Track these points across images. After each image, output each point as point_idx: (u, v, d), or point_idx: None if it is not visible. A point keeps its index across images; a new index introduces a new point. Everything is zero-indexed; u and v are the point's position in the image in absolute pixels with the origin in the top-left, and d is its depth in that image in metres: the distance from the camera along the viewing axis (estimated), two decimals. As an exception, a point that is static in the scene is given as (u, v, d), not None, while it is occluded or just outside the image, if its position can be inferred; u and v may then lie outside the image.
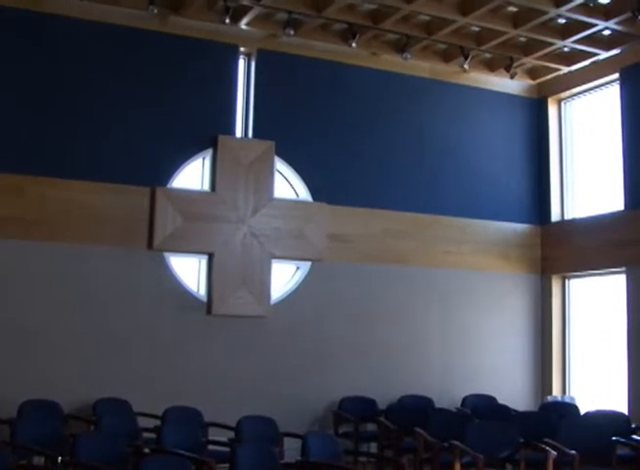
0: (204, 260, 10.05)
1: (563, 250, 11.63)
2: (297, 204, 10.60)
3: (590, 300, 11.53)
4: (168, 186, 9.85)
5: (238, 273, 9.98)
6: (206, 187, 10.17)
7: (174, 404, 8.79)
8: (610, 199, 11.20)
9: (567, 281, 11.77)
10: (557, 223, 11.91)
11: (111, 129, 9.64)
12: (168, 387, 9.43)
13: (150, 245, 9.61)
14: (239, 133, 10.47)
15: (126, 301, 9.49)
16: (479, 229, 11.61)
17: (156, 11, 9.38)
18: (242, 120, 10.54)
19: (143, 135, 9.78)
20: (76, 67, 9.57)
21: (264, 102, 10.56)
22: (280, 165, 10.56)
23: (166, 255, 9.79)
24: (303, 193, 10.66)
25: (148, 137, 9.80)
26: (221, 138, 10.14)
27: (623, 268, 10.61)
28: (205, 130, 10.13)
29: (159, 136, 9.86)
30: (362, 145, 11.01)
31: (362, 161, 10.99)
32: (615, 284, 10.98)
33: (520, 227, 11.91)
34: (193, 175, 10.18)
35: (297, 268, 10.61)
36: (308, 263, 10.53)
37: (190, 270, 10.09)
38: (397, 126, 11.30)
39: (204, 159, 10.20)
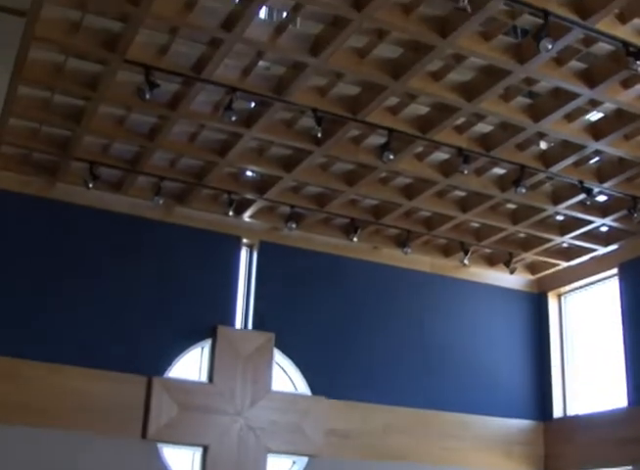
0: (198, 453, 9.73)
1: (566, 447, 11.31)
2: (295, 397, 10.39)
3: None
4: (165, 376, 9.68)
5: (232, 467, 9.64)
6: (204, 377, 10.00)
7: None
8: (613, 395, 10.98)
9: None
10: (559, 420, 11.64)
11: (109, 316, 9.59)
12: None
13: (144, 434, 9.33)
14: (239, 324, 10.41)
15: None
16: (479, 425, 11.32)
17: (161, 201, 9.58)
18: (242, 311, 10.51)
19: (142, 323, 9.72)
20: (77, 252, 9.65)
21: (265, 293, 10.58)
22: (279, 358, 10.44)
23: (160, 445, 9.47)
24: (302, 386, 10.47)
25: (146, 325, 9.73)
26: (221, 329, 10.08)
27: (630, 467, 10.28)
28: (205, 320, 10.08)
29: (157, 325, 9.80)
30: (362, 338, 10.93)
31: (362, 354, 10.87)
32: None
33: (521, 423, 11.62)
34: (191, 365, 10.03)
35: (294, 462, 10.27)
36: (305, 459, 10.19)
37: (183, 463, 9.75)
38: (398, 320, 11.27)
39: (202, 348, 10.10)
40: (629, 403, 10.54)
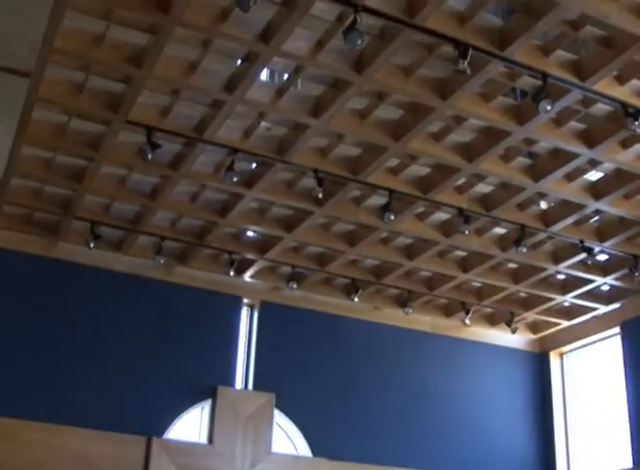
0: (197, 517, 9.60)
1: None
2: (296, 459, 10.25)
3: None
4: (165, 436, 9.58)
5: (233, 531, 9.53)
6: (204, 438, 9.88)
7: None
8: (617, 455, 10.85)
9: None
10: (564, 482, 11.52)
11: (108, 376, 9.51)
12: None
13: (143, 496, 9.23)
14: (239, 384, 10.34)
15: None
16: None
17: (162, 261, 9.58)
18: (242, 371, 10.44)
19: (141, 383, 9.65)
20: (78, 311, 9.62)
21: (266, 353, 10.52)
22: (280, 418, 10.34)
23: (159, 509, 9.36)
24: (303, 447, 10.35)
25: (146, 385, 9.66)
26: (221, 389, 10.00)
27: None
28: (205, 381, 10.01)
29: (157, 385, 9.72)
30: (363, 399, 10.84)
31: (363, 415, 10.76)
32: None
33: (526, 487, 11.50)
34: (191, 425, 9.92)
35: (296, 527, 10.13)
36: (307, 522, 10.06)
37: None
38: (399, 380, 11.18)
39: (202, 409, 10.01)
40: (634, 463, 10.41)
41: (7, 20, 10.47)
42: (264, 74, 7.55)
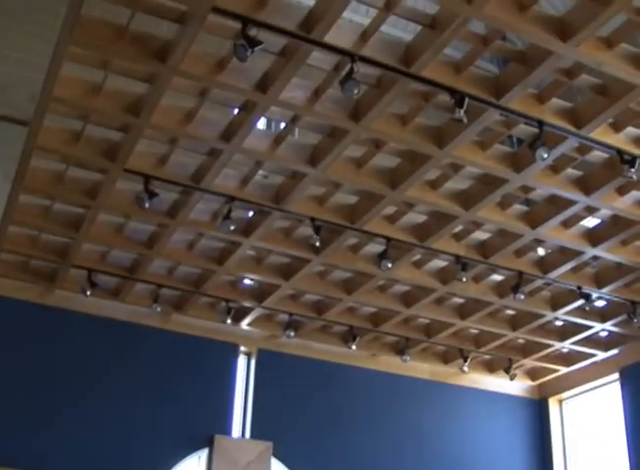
0: None
1: None
2: (293, 508, 10.16)
3: None
4: (161, 487, 9.50)
5: None
6: (201, 489, 9.81)
7: None
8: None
9: None
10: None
11: (105, 424, 9.43)
12: None
13: None
14: (236, 433, 10.23)
15: None
16: None
17: (159, 309, 9.55)
18: (239, 420, 10.34)
19: (138, 431, 9.56)
20: (74, 359, 9.57)
21: (263, 401, 10.44)
22: (277, 467, 10.22)
23: None
24: (300, 497, 10.26)
25: (143, 433, 9.57)
26: (217, 438, 9.91)
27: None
28: (202, 429, 9.92)
29: (154, 433, 9.64)
30: (361, 446, 10.74)
31: (361, 463, 10.66)
32: None
33: None
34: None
35: None
36: None
37: None
38: (397, 428, 11.09)
39: (199, 458, 9.90)
40: (635, 511, 10.32)
41: (7, 68, 10.59)
42: (261, 123, 7.60)
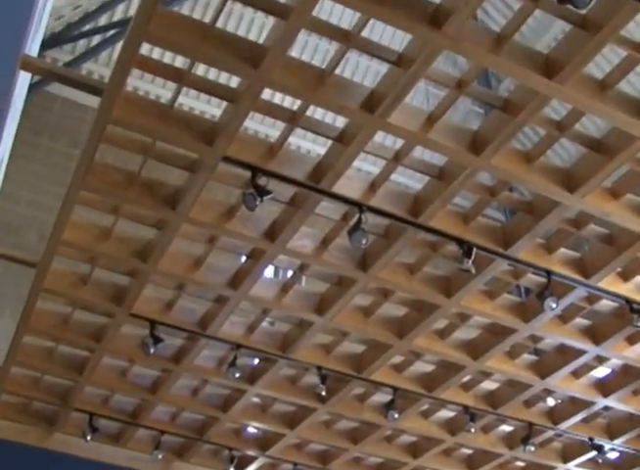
0: None
1: None
2: None
3: None
4: None
5: None
6: None
7: None
8: None
9: None
10: None
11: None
12: None
13: None
14: None
15: None
16: None
17: (160, 456, 9.33)
18: None
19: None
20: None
21: None
22: None
23: None
24: None
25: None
26: None
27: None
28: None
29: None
30: None
31: None
32: None
33: None
34: None
35: None
36: None
37: None
38: None
39: None
40: None
41: (20, 210, 10.75)
42: (269, 271, 7.61)
